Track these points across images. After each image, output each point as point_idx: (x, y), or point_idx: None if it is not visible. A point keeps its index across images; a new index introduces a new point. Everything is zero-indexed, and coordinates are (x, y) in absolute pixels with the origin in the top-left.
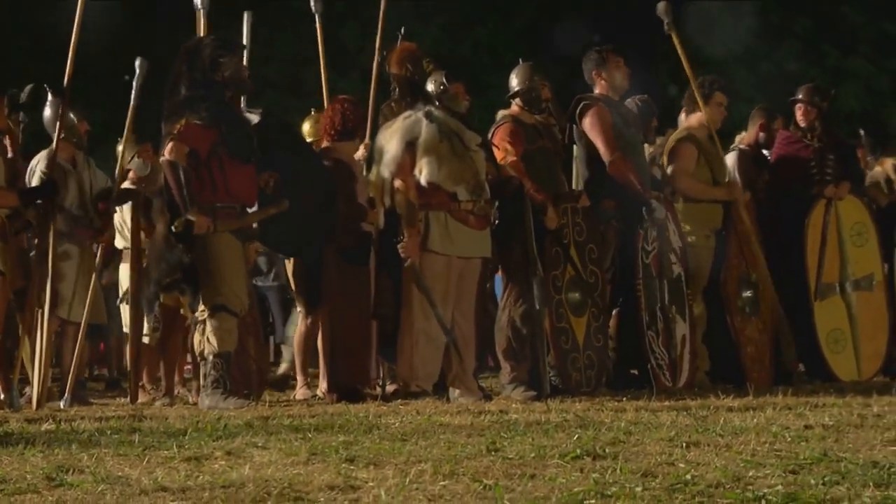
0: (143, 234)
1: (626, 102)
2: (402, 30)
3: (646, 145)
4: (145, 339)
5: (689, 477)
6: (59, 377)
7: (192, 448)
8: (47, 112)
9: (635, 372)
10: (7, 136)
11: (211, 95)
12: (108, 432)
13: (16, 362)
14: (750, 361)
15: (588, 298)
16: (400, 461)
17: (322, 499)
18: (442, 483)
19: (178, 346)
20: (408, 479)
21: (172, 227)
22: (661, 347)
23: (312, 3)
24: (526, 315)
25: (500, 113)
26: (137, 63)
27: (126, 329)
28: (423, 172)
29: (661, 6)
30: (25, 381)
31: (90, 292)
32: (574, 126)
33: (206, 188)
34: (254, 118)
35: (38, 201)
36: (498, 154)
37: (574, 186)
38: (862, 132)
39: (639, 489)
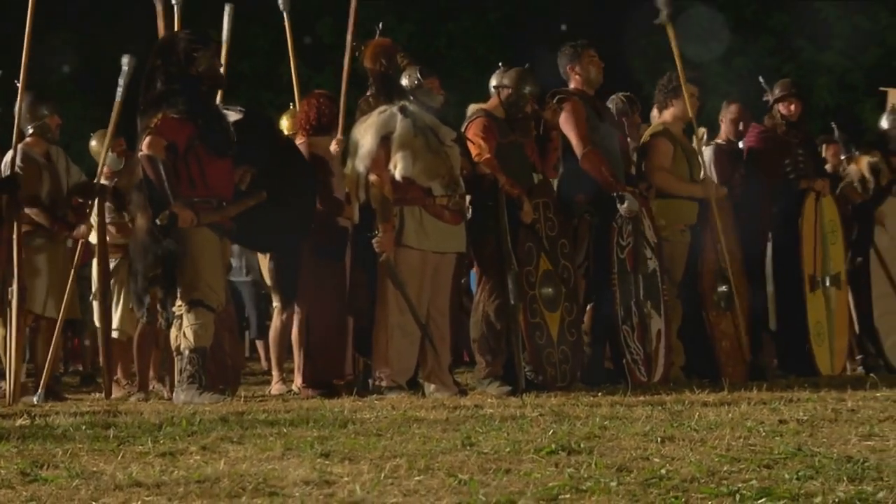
0: (113, 229)
1: (611, 98)
2: (380, 25)
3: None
4: (115, 334)
5: (663, 472)
6: (34, 372)
7: (166, 443)
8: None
9: (610, 366)
10: None
11: (187, 89)
12: (83, 427)
13: None
14: (725, 356)
15: (561, 293)
16: (375, 456)
17: (297, 494)
18: (417, 478)
19: (153, 341)
20: (383, 474)
21: (157, 221)
22: (637, 342)
23: (280, 1)
24: (501, 310)
25: (473, 107)
26: (125, 60)
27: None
28: (398, 167)
29: None
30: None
31: (68, 288)
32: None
33: (183, 182)
34: (234, 116)
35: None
36: (472, 148)
37: None
38: (834, 126)
39: (613, 484)
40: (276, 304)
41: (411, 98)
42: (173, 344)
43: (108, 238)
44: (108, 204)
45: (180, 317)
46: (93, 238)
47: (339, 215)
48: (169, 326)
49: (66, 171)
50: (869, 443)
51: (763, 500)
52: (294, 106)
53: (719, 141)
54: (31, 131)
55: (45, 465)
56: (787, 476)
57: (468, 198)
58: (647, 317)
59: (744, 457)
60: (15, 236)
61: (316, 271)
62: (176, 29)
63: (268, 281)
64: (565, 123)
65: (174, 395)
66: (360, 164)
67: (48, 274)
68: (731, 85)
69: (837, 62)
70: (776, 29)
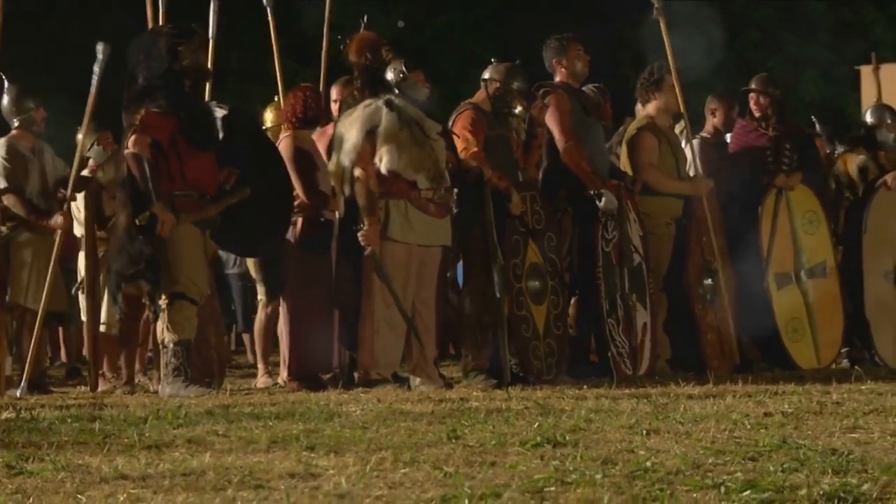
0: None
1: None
2: (365, 18)
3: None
4: (102, 328)
5: (648, 464)
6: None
7: (152, 436)
8: (5, 100)
9: (595, 360)
10: None
11: (169, 84)
12: (69, 420)
13: None
14: (710, 349)
15: (548, 286)
16: (360, 449)
17: (282, 486)
18: (402, 470)
19: (139, 334)
20: (368, 467)
21: (136, 221)
22: (622, 335)
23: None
24: (487, 303)
25: (463, 102)
26: (99, 48)
27: (83, 317)
28: (384, 161)
29: None
30: None
31: (49, 280)
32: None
33: (163, 176)
34: (220, 112)
35: None
36: (459, 143)
37: None
38: (814, 120)
39: (599, 476)
40: (260, 296)
41: (396, 91)
42: (158, 337)
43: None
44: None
45: (164, 310)
46: (79, 231)
47: (324, 208)
48: (156, 320)
49: (52, 163)
50: (853, 435)
51: (748, 492)
52: (278, 99)
53: (705, 134)
54: (16, 124)
55: (31, 458)
56: (771, 468)
57: (454, 191)
58: (633, 310)
59: (729, 449)
60: None
61: (301, 264)
62: (161, 23)
63: (253, 273)
64: (549, 117)
65: (160, 388)
66: (346, 157)
67: (35, 267)
68: (717, 78)
69: (822, 56)
70: (761, 23)
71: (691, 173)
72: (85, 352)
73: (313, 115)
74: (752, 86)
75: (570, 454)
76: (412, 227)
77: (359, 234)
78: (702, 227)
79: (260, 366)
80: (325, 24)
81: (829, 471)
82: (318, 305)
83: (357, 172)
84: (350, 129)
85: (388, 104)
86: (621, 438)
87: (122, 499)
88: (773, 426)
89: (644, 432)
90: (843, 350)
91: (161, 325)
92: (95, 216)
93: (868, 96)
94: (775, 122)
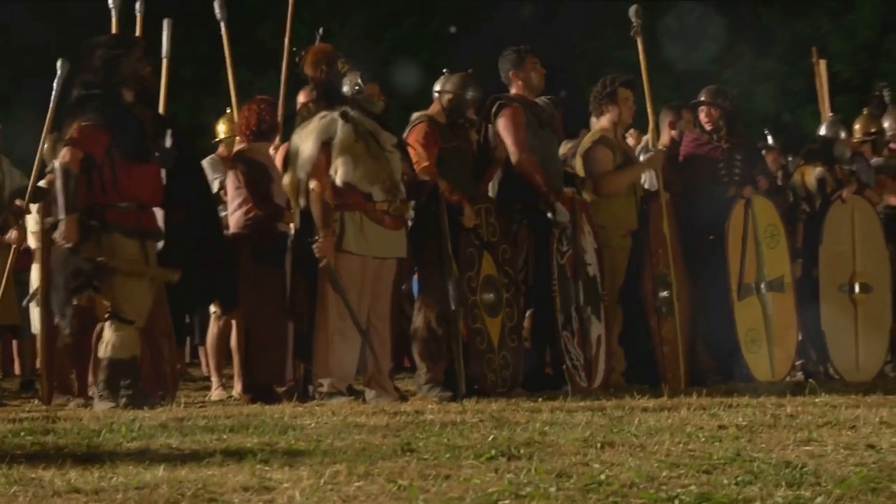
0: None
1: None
2: (321, 30)
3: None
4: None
5: (603, 477)
6: None
7: (105, 449)
8: None
9: (550, 372)
10: None
11: (104, 96)
12: (22, 434)
13: None
14: (665, 362)
15: (502, 299)
16: (315, 462)
17: (236, 500)
18: (357, 484)
19: (91, 347)
20: (322, 480)
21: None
22: (577, 348)
23: (217, 11)
24: (442, 316)
25: (415, 114)
26: (59, 64)
27: (34, 330)
28: (339, 173)
29: (633, 9)
30: None
31: (0, 293)
32: (489, 126)
33: (95, 189)
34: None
35: None
36: (412, 155)
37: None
38: (767, 133)
39: (553, 489)
40: (214, 309)
41: (352, 104)
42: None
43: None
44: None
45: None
46: (34, 243)
47: (279, 221)
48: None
49: (9, 174)
50: (807, 448)
51: None
52: (230, 110)
53: (661, 147)
54: None
55: None
56: (725, 481)
57: (411, 204)
58: (588, 322)
59: (683, 462)
60: None
61: (256, 277)
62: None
63: None
64: (503, 128)
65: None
66: (301, 169)
67: None
68: (673, 91)
69: (778, 68)
70: (718, 35)
71: (647, 186)
72: (38, 364)
73: (268, 127)
74: (702, 98)
75: (524, 467)
76: (367, 240)
77: (314, 246)
78: (657, 240)
79: (214, 379)
80: (287, 36)
81: (783, 484)
82: (272, 318)
83: (312, 184)
84: (305, 141)
85: (344, 116)
86: (576, 451)
87: None
88: (727, 439)
89: (599, 445)
90: (797, 363)
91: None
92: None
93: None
94: (726, 134)
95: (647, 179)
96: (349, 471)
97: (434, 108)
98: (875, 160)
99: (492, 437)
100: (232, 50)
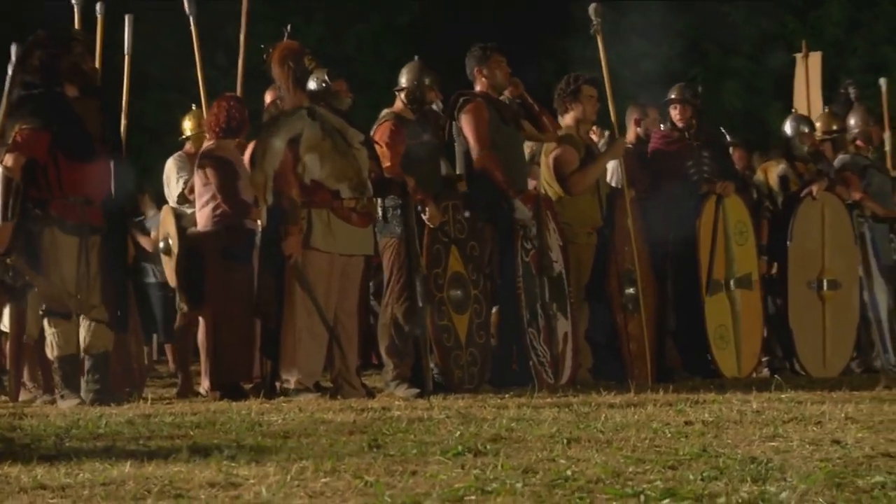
0: None
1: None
2: (289, 27)
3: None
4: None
5: (569, 473)
6: None
7: (72, 446)
8: None
9: (517, 369)
10: None
11: (44, 96)
12: None
13: None
14: (632, 358)
15: (469, 295)
16: (281, 458)
17: (203, 496)
18: (323, 480)
19: None
20: (289, 477)
21: None
22: (543, 345)
23: (186, 5)
24: (409, 312)
25: (384, 112)
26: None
27: (3, 327)
28: (306, 170)
29: (592, 7)
30: None
31: None
32: (454, 122)
33: (40, 187)
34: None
35: None
36: (381, 151)
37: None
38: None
39: (519, 485)
40: (181, 306)
41: (319, 101)
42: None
43: None
44: None
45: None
46: None
47: (246, 218)
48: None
49: None
50: (773, 444)
51: (667, 500)
52: (196, 108)
53: (627, 144)
54: None
55: None
56: (691, 477)
57: (378, 201)
58: (554, 319)
59: (649, 458)
60: None
61: (223, 274)
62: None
63: (171, 283)
64: (466, 125)
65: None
66: (268, 166)
67: None
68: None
69: (745, 66)
70: (684, 32)
71: (613, 183)
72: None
73: (236, 124)
74: (673, 96)
75: (490, 463)
76: (334, 237)
77: (281, 244)
78: (623, 237)
79: (180, 375)
80: (242, 33)
81: (749, 479)
82: (239, 315)
83: (280, 182)
84: (272, 139)
85: (311, 113)
86: (542, 447)
87: None
88: (693, 435)
89: (565, 441)
90: (763, 360)
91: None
92: None
93: (800, 84)
94: (696, 132)
95: (614, 177)
96: (316, 467)
97: (398, 105)
98: (841, 157)
99: (458, 433)
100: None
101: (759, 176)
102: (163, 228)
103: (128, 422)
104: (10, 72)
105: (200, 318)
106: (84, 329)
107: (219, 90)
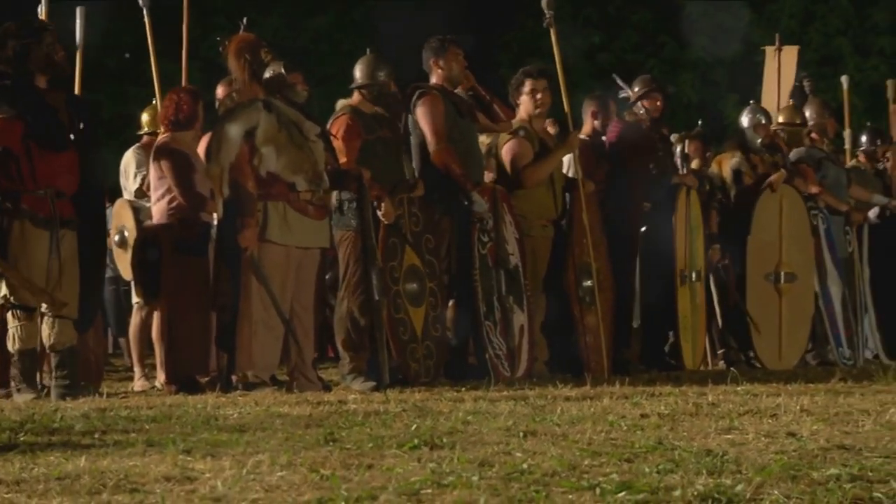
0: None
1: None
2: (245, 20)
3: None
4: None
5: (525, 466)
6: None
7: (27, 440)
8: None
9: (474, 362)
10: None
11: (16, 86)
12: None
13: None
14: (588, 351)
15: (425, 289)
16: (237, 452)
17: (158, 490)
18: (279, 473)
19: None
20: (245, 470)
21: None
22: (499, 337)
23: None
24: (365, 305)
25: (340, 103)
26: None
27: None
28: (262, 162)
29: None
30: None
31: None
32: (409, 115)
33: (12, 178)
34: None
35: None
36: (337, 145)
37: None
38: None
39: (475, 478)
40: (136, 299)
41: (275, 93)
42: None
43: None
44: None
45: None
46: None
47: (201, 210)
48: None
49: None
50: (728, 436)
51: (623, 493)
52: (154, 101)
53: (582, 136)
54: None
55: None
56: (647, 470)
57: (335, 193)
58: (510, 312)
59: (605, 451)
60: None
61: (178, 267)
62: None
63: (125, 276)
64: (422, 118)
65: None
66: (224, 158)
67: None
68: (595, 80)
69: (700, 58)
70: (640, 25)
71: (570, 174)
72: None
73: (186, 117)
74: (637, 88)
75: (447, 456)
76: (290, 230)
77: (237, 236)
78: (580, 230)
79: (136, 369)
80: (184, 22)
81: (704, 472)
82: (195, 308)
83: (236, 174)
84: (228, 131)
85: (267, 105)
86: (498, 440)
87: None
88: (649, 427)
89: (521, 434)
90: (719, 352)
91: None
92: None
93: (770, 77)
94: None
95: (570, 169)
96: (271, 461)
97: (356, 98)
98: (796, 150)
99: (414, 426)
100: (154, 40)
101: (713, 168)
102: (117, 221)
103: (83, 416)
104: None
105: (156, 312)
106: (47, 325)
107: (175, 83)
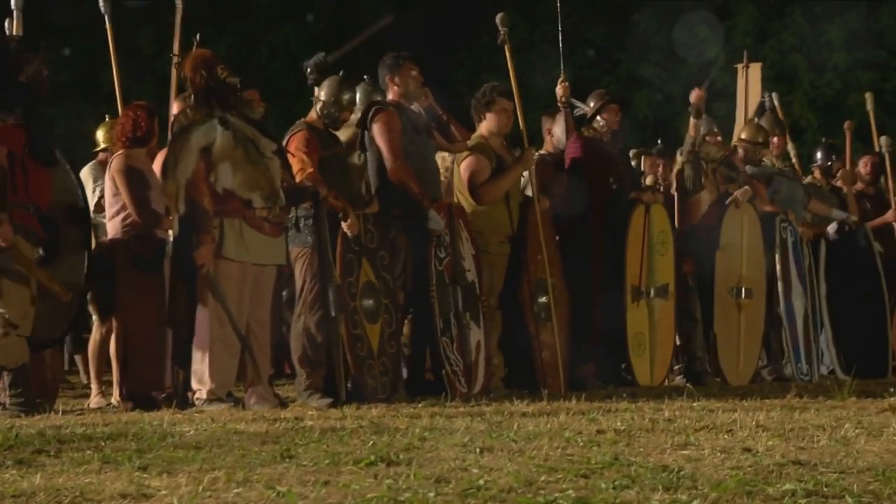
0: None
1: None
2: (199, 36)
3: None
4: None
5: (482, 482)
6: None
7: None
8: None
9: (431, 378)
10: None
11: (17, 96)
12: None
13: None
14: (544, 367)
15: (381, 305)
16: (193, 469)
17: None
18: (235, 490)
19: None
20: (201, 487)
21: None
22: (456, 353)
23: (101, 4)
24: (322, 322)
25: (297, 122)
26: None
27: None
28: (218, 179)
29: (499, 16)
30: None
31: None
32: (365, 132)
33: (9, 188)
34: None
35: None
36: (294, 162)
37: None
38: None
39: (432, 495)
40: (94, 316)
41: (231, 109)
42: None
43: None
44: None
45: None
46: None
47: (157, 227)
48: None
49: None
50: (684, 452)
51: None
52: (109, 118)
53: (542, 152)
54: None
55: None
56: (603, 485)
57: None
58: (467, 328)
59: (561, 467)
60: None
61: (134, 283)
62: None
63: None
64: (378, 135)
65: None
66: (180, 175)
67: None
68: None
69: (656, 74)
70: (595, 41)
71: (528, 192)
72: None
73: (142, 134)
74: (603, 101)
75: (403, 473)
76: (247, 246)
77: (193, 253)
78: (535, 246)
79: (93, 386)
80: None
81: (660, 487)
82: (151, 324)
83: (192, 191)
84: (184, 147)
85: (223, 122)
86: (455, 457)
87: None
88: (605, 443)
89: (478, 450)
90: (676, 367)
91: None
92: None
93: (742, 94)
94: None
95: (528, 186)
96: (228, 477)
97: (312, 116)
98: (749, 168)
99: (371, 443)
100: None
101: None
102: None
103: (38, 433)
104: None
105: (112, 328)
106: None
107: (131, 99)
